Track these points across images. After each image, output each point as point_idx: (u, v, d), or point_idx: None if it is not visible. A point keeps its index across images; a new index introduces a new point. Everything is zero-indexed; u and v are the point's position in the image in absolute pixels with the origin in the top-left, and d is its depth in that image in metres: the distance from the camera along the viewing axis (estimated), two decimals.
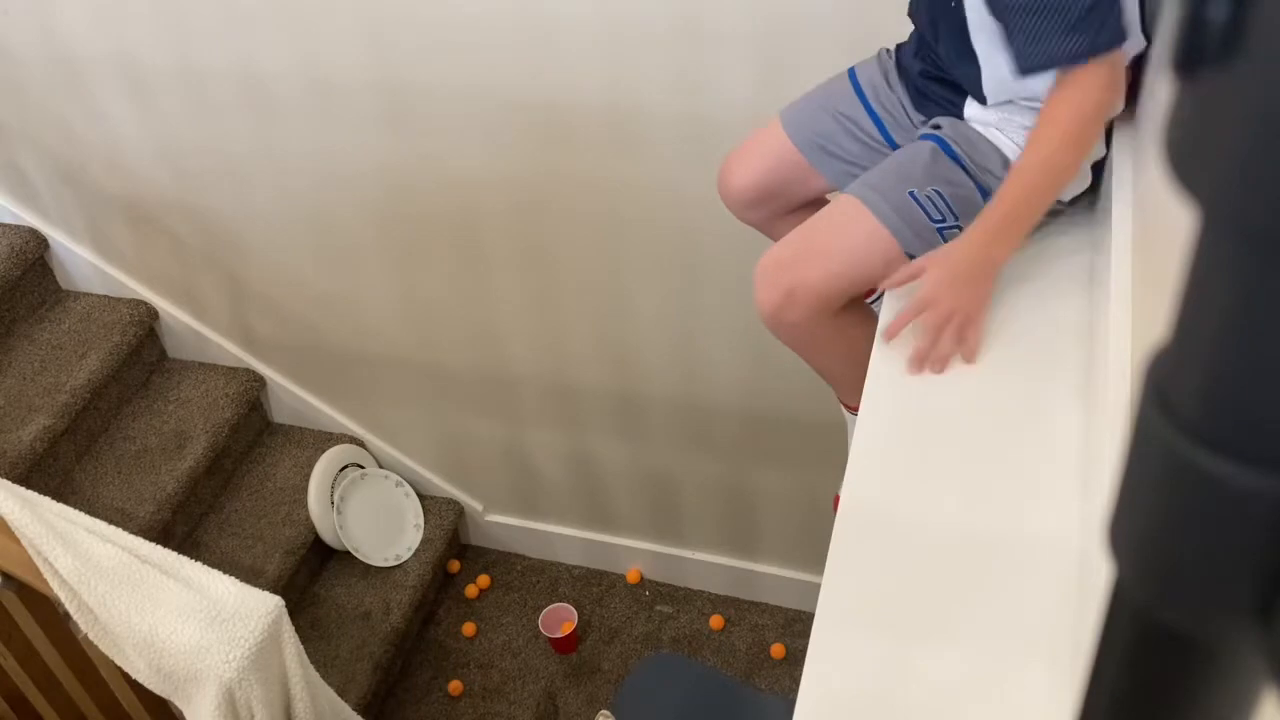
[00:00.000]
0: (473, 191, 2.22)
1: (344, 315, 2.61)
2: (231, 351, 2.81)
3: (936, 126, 1.26)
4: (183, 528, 2.65)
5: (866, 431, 1.03)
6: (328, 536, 2.71)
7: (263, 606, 1.68)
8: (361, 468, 2.84)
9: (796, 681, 0.86)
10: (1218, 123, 0.25)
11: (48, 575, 1.66)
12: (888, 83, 1.36)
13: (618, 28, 1.87)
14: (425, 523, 2.90)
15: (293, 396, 2.86)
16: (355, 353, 2.70)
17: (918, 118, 1.33)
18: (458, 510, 2.97)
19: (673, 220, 2.14)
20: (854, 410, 1.39)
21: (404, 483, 2.91)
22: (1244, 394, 0.27)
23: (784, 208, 1.45)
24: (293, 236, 2.47)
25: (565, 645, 2.78)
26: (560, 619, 2.79)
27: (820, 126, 1.38)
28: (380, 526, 2.83)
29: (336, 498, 2.74)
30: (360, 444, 2.89)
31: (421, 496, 2.93)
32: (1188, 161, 0.26)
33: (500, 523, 3.00)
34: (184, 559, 1.76)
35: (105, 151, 2.45)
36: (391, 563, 2.81)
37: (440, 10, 1.95)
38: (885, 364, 1.15)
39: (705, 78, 1.89)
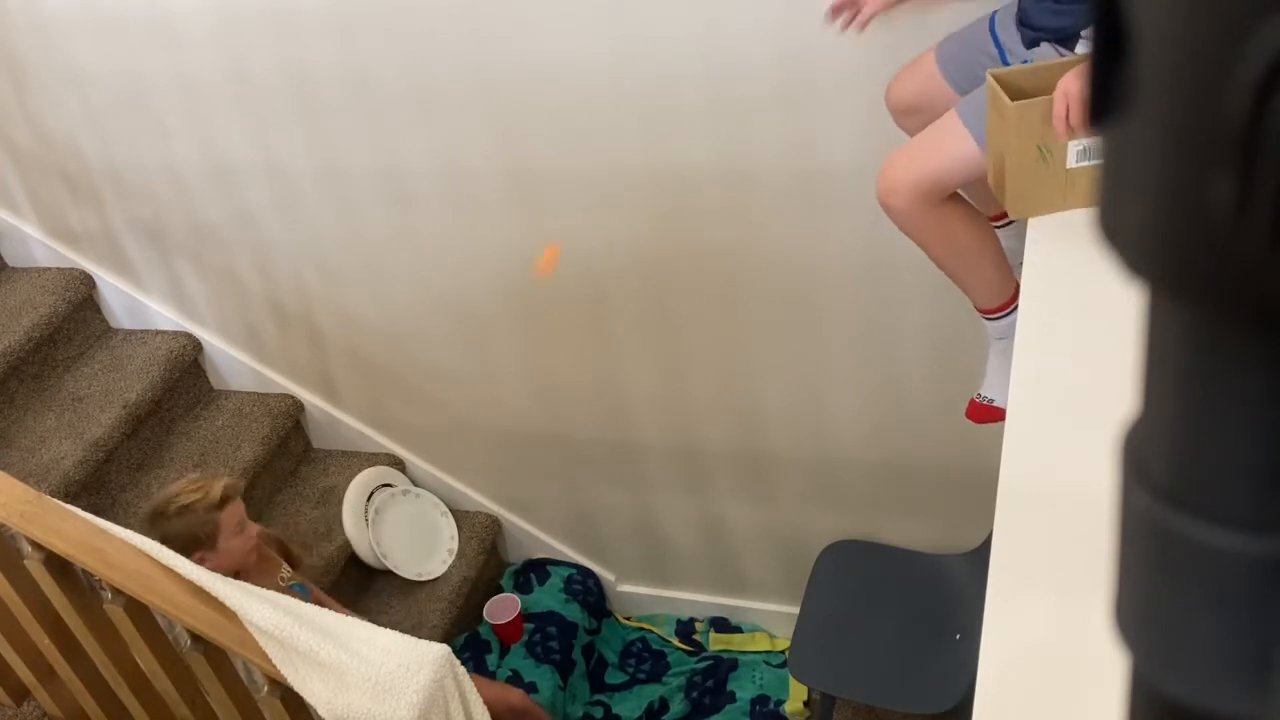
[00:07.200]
0: (595, 262, 2.34)
1: (476, 393, 2.74)
2: (371, 437, 2.96)
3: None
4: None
5: (1020, 404, 1.10)
6: None
7: (427, 657, 1.75)
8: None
9: None
10: (1128, 176, 0.26)
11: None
12: (1013, 23, 1.56)
13: (724, 93, 1.99)
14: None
15: (430, 477, 2.99)
16: (488, 429, 2.82)
17: (1027, 55, 1.52)
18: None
19: (792, 279, 2.22)
20: (989, 315, 1.63)
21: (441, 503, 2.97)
22: (1206, 453, 0.27)
23: (931, 119, 1.63)
24: (427, 321, 2.62)
25: (510, 632, 2.82)
26: (505, 608, 2.84)
27: (963, 56, 1.63)
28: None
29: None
30: (497, 520, 3.00)
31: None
32: (1111, 221, 0.27)
33: (633, 592, 3.06)
34: (343, 619, 1.84)
35: (253, 254, 2.64)
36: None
37: (562, 94, 2.09)
38: (1038, 333, 1.22)
39: (813, 136, 2.00)
